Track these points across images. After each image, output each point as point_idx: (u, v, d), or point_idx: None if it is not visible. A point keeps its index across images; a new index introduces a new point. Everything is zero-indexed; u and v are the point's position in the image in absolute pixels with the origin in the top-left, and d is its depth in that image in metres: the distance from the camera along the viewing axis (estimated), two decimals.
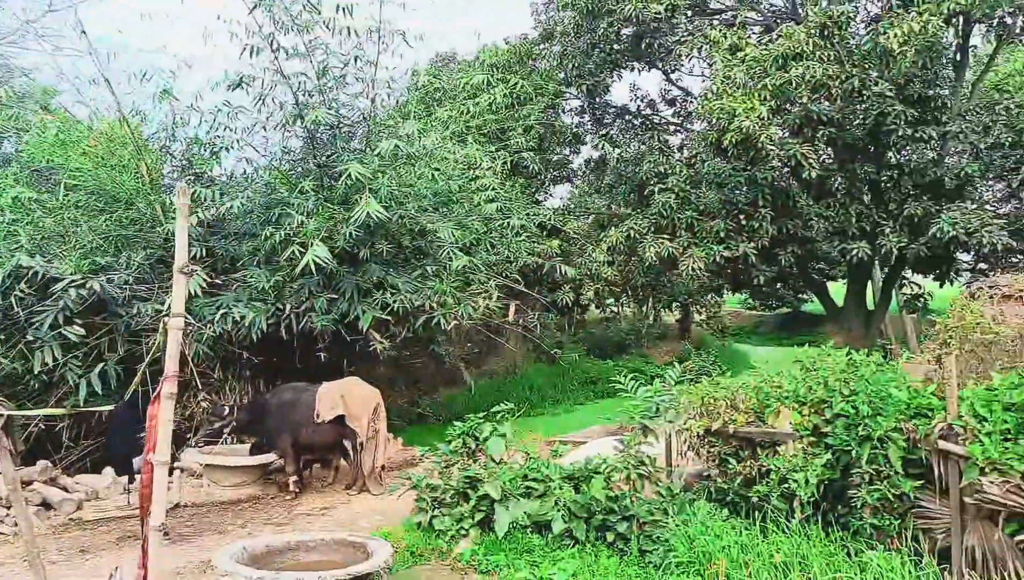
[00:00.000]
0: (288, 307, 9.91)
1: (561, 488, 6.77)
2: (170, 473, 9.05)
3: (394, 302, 10.14)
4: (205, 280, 9.44)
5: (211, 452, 9.32)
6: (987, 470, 5.44)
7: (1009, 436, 5.52)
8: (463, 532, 6.72)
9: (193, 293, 9.21)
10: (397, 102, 13.69)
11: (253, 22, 10.23)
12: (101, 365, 9.45)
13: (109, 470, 9.28)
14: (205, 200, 10.43)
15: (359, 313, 10.08)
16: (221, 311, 9.56)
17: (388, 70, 13.61)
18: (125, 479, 8.82)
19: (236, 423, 9.45)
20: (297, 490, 9.29)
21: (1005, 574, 5.38)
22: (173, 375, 3.42)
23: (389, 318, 10.41)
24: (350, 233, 9.83)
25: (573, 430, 14.30)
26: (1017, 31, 16.26)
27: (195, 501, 9.02)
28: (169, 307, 4.49)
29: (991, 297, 8.07)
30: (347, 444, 9.57)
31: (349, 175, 9.52)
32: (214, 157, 11.69)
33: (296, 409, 9.21)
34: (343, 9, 10.58)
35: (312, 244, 9.34)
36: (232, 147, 11.61)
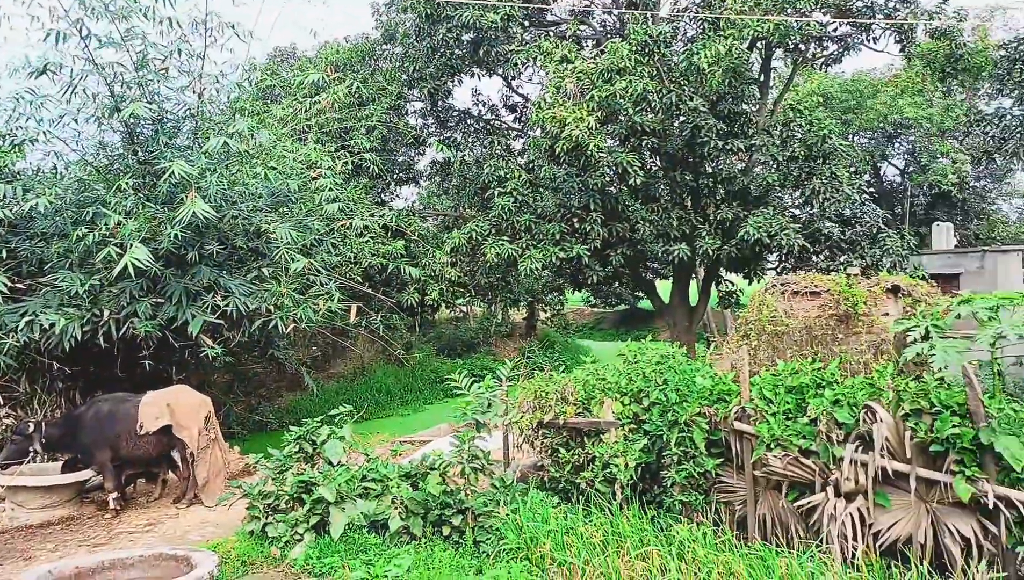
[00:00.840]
0: (106, 313, 9.24)
1: (399, 487, 6.88)
2: None
3: (227, 305, 9.76)
4: (6, 285, 8.60)
5: (14, 473, 8.50)
6: (772, 446, 6.20)
7: (791, 415, 6.33)
8: (297, 537, 6.64)
9: None
10: (229, 98, 13.11)
11: (58, 5, 9.44)
12: None
13: None
14: (6, 197, 9.48)
15: (188, 318, 9.60)
16: (26, 318, 8.76)
17: (217, 64, 13.10)
18: None
19: (45, 440, 8.69)
20: (118, 507, 8.70)
21: (788, 537, 6.18)
22: None
23: (222, 322, 10.00)
24: (175, 234, 9.34)
25: (422, 430, 14.42)
26: (810, 56, 18.40)
27: None
28: None
29: (783, 293, 9.15)
30: (176, 455, 9.10)
31: (172, 173, 9.04)
32: (16, 150, 10.61)
33: (115, 421, 8.65)
34: None
35: (131, 246, 8.77)
36: (37, 139, 10.60)
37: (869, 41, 16.96)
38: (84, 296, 9.19)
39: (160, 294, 9.78)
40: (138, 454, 8.78)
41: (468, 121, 21.36)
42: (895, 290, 9.76)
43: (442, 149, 18.36)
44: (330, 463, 7.25)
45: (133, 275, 8.83)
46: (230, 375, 15.32)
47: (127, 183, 9.76)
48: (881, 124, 27.29)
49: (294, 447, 7.35)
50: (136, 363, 10.08)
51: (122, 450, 8.65)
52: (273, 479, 7.11)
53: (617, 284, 30.44)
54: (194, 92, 11.03)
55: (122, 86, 10.29)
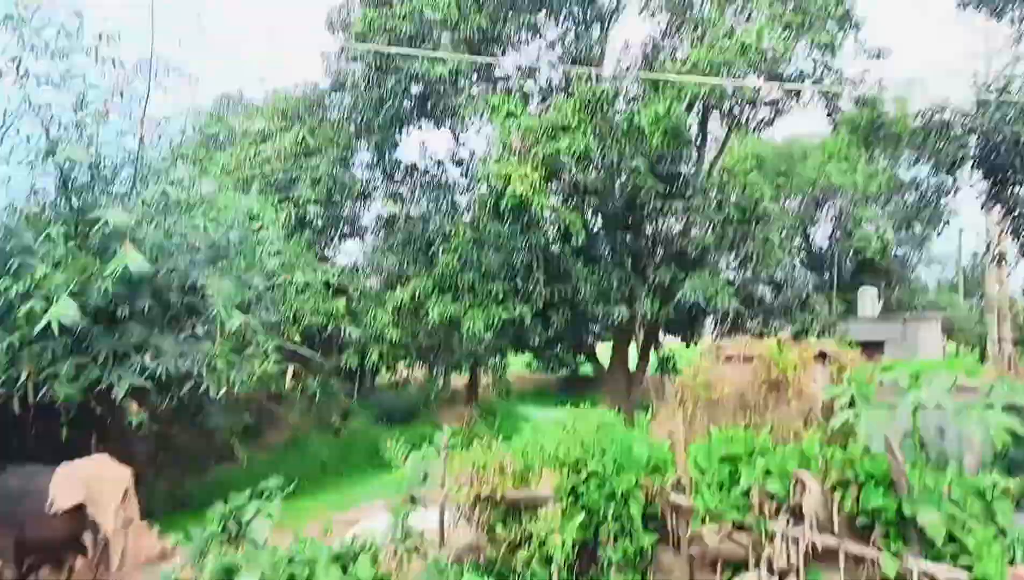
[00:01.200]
0: (25, 374, 8.69)
1: (327, 571, 6.58)
2: None
3: (156, 366, 9.31)
4: None
5: None
6: (707, 519, 6.24)
7: (724, 485, 6.39)
8: None
9: None
10: (171, 143, 12.81)
11: None
12: None
13: None
14: None
15: (114, 380, 9.11)
16: None
17: (160, 108, 12.85)
18: None
19: None
20: None
21: None
22: None
23: (149, 387, 9.49)
24: (106, 288, 8.95)
25: (358, 503, 13.85)
26: (744, 120, 19.22)
27: None
28: None
29: (717, 358, 9.32)
30: (87, 538, 8.27)
31: (107, 222, 8.71)
32: None
33: (23, 498, 7.78)
34: (106, 37, 9.85)
35: (57, 299, 8.36)
36: None
37: (799, 105, 17.86)
38: (1, 356, 8.68)
39: (85, 353, 9.30)
40: (46, 536, 7.89)
41: (415, 175, 21.44)
42: (823, 356, 10.05)
43: (386, 202, 18.31)
44: (255, 544, 6.91)
45: (57, 332, 8.39)
46: (154, 445, 14.47)
47: (57, 231, 9.36)
48: (810, 188, 28.50)
49: (217, 527, 6.96)
50: (53, 431, 9.41)
51: (28, 533, 7.79)
52: (193, 564, 6.71)
53: (559, 347, 30.45)
54: (135, 136, 10.78)
55: (59, 128, 9.99)
